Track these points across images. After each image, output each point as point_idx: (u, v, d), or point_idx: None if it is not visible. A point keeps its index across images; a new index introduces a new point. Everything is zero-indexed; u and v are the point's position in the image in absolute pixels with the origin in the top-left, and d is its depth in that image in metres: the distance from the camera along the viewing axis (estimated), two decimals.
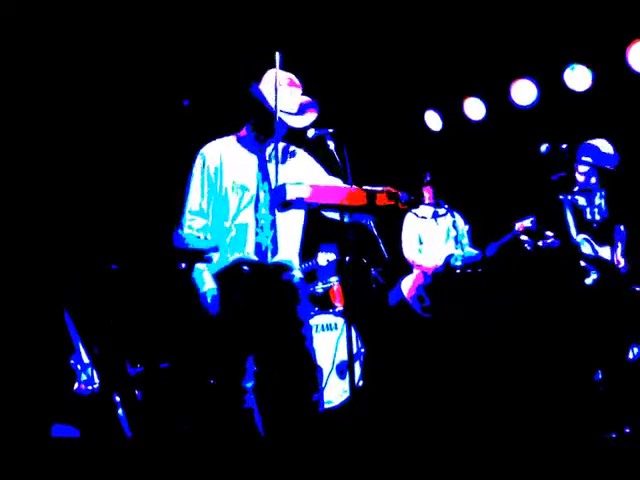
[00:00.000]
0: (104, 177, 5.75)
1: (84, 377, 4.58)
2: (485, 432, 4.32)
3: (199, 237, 3.45)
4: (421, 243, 5.93)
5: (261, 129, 3.54)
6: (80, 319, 4.72)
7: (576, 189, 5.22)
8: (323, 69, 5.73)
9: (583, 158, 5.11)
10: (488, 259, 5.51)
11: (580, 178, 5.19)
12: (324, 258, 5.67)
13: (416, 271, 5.79)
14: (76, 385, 4.58)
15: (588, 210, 5.17)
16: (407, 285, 5.78)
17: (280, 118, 3.38)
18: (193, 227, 3.47)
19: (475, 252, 5.71)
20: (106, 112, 5.82)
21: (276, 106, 3.35)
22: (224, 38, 5.74)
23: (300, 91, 3.55)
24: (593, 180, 5.17)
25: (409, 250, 5.92)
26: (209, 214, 3.49)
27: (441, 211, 5.93)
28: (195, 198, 3.50)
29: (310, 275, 5.85)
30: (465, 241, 5.89)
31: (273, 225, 3.44)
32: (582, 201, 5.19)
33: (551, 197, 5.13)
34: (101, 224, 5.64)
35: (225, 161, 3.52)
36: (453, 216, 5.92)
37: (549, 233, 5.08)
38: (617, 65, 5.69)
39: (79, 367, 4.60)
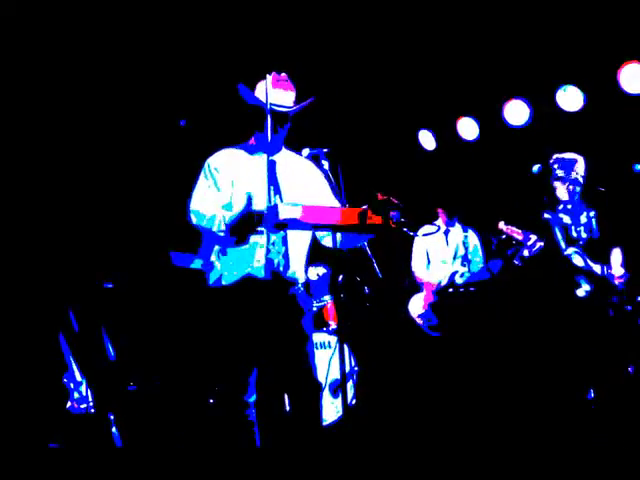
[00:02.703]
0: (98, 196, 5.77)
1: (77, 395, 4.57)
2: (480, 450, 4.32)
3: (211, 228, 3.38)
4: (429, 260, 5.94)
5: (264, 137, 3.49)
6: (73, 337, 4.71)
7: (561, 207, 5.32)
8: (317, 88, 5.76)
9: (557, 171, 5.24)
10: (495, 276, 5.56)
11: (563, 195, 5.28)
12: (314, 272, 5.68)
13: (424, 290, 5.81)
14: (69, 403, 4.57)
15: (573, 228, 5.27)
16: (416, 304, 5.78)
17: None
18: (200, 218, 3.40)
19: (480, 267, 5.77)
20: (103, 129, 5.85)
21: (270, 126, 3.37)
22: (221, 54, 5.79)
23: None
24: (576, 195, 5.28)
25: (417, 267, 5.93)
26: (213, 220, 3.40)
27: (453, 229, 5.93)
28: (199, 203, 3.44)
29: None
30: (477, 259, 5.90)
31: (285, 241, 3.43)
32: (566, 219, 5.31)
33: (536, 217, 5.23)
34: (96, 242, 5.64)
35: (234, 172, 3.50)
36: (465, 231, 5.94)
37: (532, 237, 5.17)
38: (608, 86, 5.75)
39: (72, 385, 4.59)
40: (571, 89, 6.02)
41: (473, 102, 6.63)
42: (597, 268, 5.19)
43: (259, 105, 3.45)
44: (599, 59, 5.77)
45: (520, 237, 5.31)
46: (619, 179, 5.56)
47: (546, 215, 5.33)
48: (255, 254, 3.39)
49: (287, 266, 3.42)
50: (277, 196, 3.44)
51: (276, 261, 3.40)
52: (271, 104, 3.38)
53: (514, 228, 5.34)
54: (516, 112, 6.38)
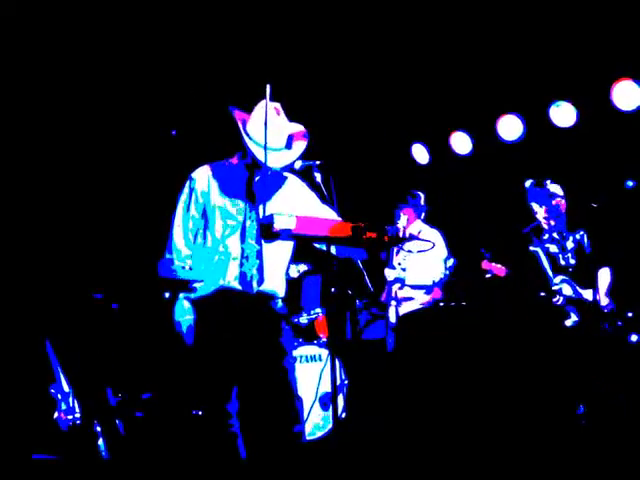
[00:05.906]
0: (87, 206, 5.74)
1: (64, 406, 4.53)
2: (470, 462, 4.30)
3: (184, 267, 3.43)
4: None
5: (251, 163, 3.50)
6: (61, 347, 4.68)
7: (546, 237, 5.32)
8: (311, 101, 5.78)
9: (532, 204, 5.27)
10: None
11: (545, 225, 5.31)
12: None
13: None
14: (56, 414, 4.53)
15: (561, 256, 5.28)
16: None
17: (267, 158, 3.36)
18: (181, 256, 3.47)
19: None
20: (93, 139, 5.84)
21: (266, 143, 3.33)
22: (214, 67, 5.79)
23: (286, 120, 3.53)
24: (554, 222, 5.29)
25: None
26: (194, 240, 3.48)
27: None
28: (181, 224, 3.49)
29: (294, 306, 5.82)
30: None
31: (259, 255, 3.42)
32: (553, 248, 5.32)
33: (523, 250, 5.27)
34: (84, 252, 5.61)
35: (213, 186, 3.50)
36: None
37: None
38: (601, 103, 5.79)
39: (59, 396, 4.55)
40: (564, 105, 6.05)
41: (467, 116, 6.65)
42: (587, 294, 5.16)
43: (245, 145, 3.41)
44: (592, 76, 5.81)
45: (502, 273, 5.30)
46: (611, 195, 5.59)
47: (532, 248, 5.37)
48: (230, 266, 3.40)
49: (261, 280, 3.41)
50: (254, 212, 3.44)
51: (249, 275, 3.39)
52: (264, 146, 3.32)
53: (495, 265, 5.34)
54: (509, 127, 6.40)
